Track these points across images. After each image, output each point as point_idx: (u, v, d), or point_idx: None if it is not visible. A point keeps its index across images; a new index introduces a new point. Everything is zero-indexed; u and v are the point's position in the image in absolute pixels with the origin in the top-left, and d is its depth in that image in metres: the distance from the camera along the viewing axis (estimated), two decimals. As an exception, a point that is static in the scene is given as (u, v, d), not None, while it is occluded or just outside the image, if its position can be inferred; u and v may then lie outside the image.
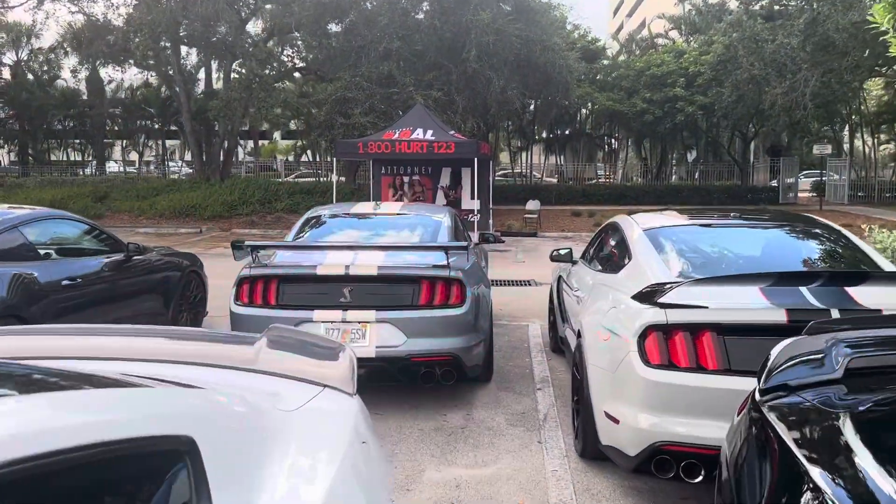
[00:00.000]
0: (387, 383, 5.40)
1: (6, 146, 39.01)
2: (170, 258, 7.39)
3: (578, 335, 4.64)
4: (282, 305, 5.03)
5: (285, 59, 26.98)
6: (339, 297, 4.93)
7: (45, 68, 36.83)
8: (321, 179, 30.57)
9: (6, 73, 36.32)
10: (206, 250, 17.25)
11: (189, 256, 7.99)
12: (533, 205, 22.43)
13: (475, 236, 8.34)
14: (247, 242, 5.42)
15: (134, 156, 41.88)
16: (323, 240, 6.13)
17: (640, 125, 29.82)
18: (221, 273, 13.20)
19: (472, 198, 18.40)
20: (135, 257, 6.71)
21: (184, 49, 27.37)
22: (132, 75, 30.52)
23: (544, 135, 36.38)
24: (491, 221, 18.83)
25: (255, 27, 25.73)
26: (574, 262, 6.27)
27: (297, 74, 33.28)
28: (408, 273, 5.06)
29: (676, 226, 4.96)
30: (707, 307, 3.49)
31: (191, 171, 32.70)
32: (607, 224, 5.87)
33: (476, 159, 15.75)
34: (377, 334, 4.88)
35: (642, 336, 3.56)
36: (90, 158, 38.50)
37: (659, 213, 5.56)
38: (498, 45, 20.69)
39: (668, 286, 3.70)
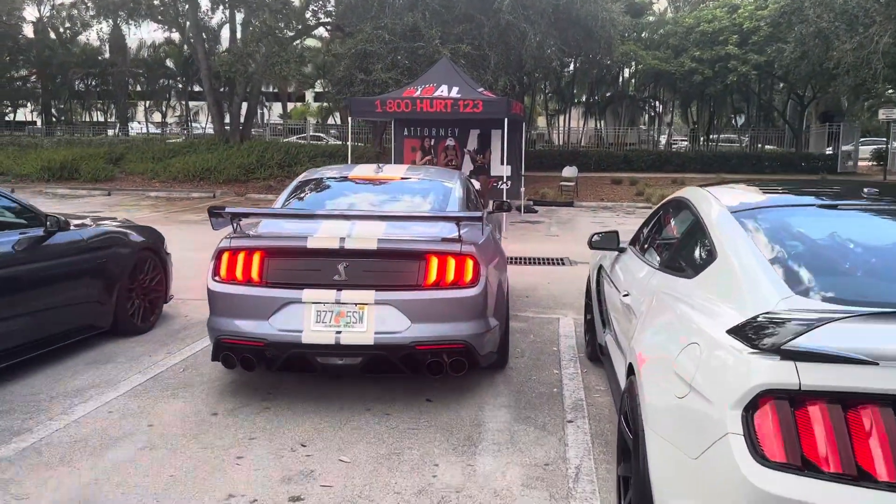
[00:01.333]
0: (386, 374, 4.76)
1: (29, 105, 38.15)
2: (113, 234, 5.99)
3: (630, 371, 3.11)
4: (267, 283, 4.38)
5: (308, 14, 25.41)
6: (332, 274, 4.30)
7: (68, 25, 35.72)
8: (347, 143, 29.07)
9: (28, 31, 35.33)
10: (213, 217, 15.97)
11: (146, 231, 6.60)
12: (569, 171, 20.68)
13: (491, 205, 6.87)
14: (227, 209, 4.67)
15: (158, 117, 40.83)
16: (316, 207, 5.37)
17: (687, 86, 27.67)
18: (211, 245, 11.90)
19: (503, 163, 16.80)
20: (58, 233, 5.31)
21: (204, 4, 25.99)
22: (151, 31, 29.19)
23: (584, 98, 34.32)
24: (523, 189, 17.19)
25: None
26: (621, 250, 4.69)
27: (323, 32, 31.75)
28: (413, 247, 4.40)
29: (784, 206, 3.30)
30: (878, 364, 1.93)
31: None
32: (671, 200, 4.25)
33: (506, 120, 14.07)
34: (377, 318, 4.24)
35: (751, 407, 2.03)
36: (113, 119, 37.50)
37: (743, 187, 3.92)
38: (534, -6, 18.84)
39: (797, 316, 2.14)
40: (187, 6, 23.97)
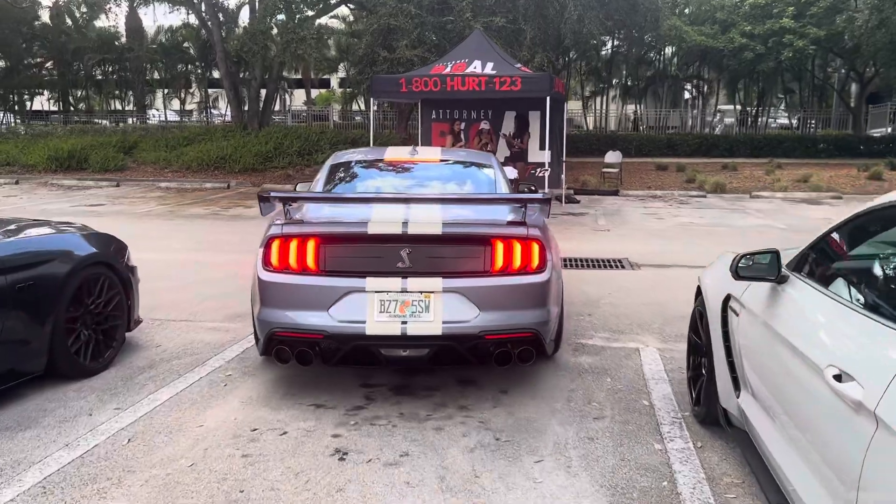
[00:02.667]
0: (452, 366, 4.58)
1: (46, 93, 37.09)
2: (42, 250, 4.47)
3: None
4: (325, 271, 4.12)
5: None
6: (395, 261, 4.08)
7: (84, 10, 34.50)
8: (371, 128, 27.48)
9: (45, 16, 34.19)
10: (225, 209, 14.56)
11: (100, 240, 5.09)
12: (613, 157, 18.91)
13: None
14: (273, 193, 4.36)
15: (177, 104, 39.55)
16: (359, 192, 5.23)
17: (736, 64, 25.58)
18: (224, 242, 10.55)
19: (542, 148, 15.12)
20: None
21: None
22: (164, 13, 27.74)
23: (622, 79, 32.30)
24: (563, 177, 15.52)
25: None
26: (782, 279, 3.02)
27: (347, 12, 30.12)
28: (479, 231, 4.21)
29: None
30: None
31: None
32: (885, 206, 2.56)
33: (548, 99, 12.37)
34: (444, 306, 4.04)
35: None
36: (131, 107, 36.30)
37: None
38: (575, -38, 17.03)
39: None
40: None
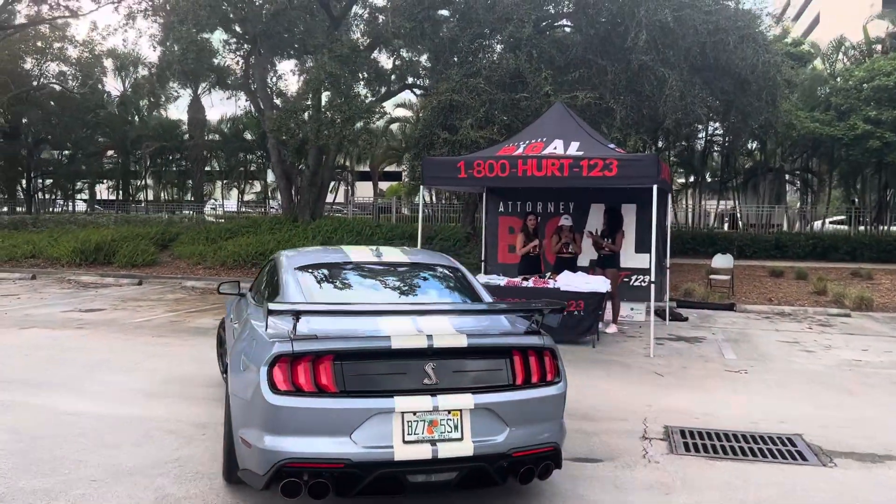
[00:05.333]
0: (477, 488, 4.13)
1: (105, 182, 36.35)
2: None
3: None
4: (346, 392, 3.70)
5: (393, 77, 21.72)
6: (421, 377, 3.80)
7: (151, 98, 33.89)
8: (441, 224, 24.81)
9: (110, 104, 33.68)
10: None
11: None
12: (722, 261, 15.49)
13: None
14: (270, 306, 3.79)
15: (235, 194, 38.20)
16: (338, 300, 4.73)
17: (858, 154, 21.96)
18: (208, 379, 7.64)
19: (639, 250, 11.93)
20: None
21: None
22: (222, 99, 26.31)
23: (716, 170, 28.92)
24: (667, 287, 12.19)
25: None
26: None
27: (412, 98, 28.17)
28: (502, 342, 4.05)
29: None
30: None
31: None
32: None
33: (654, 189, 9.21)
34: (472, 424, 3.79)
35: None
36: (189, 197, 35.00)
37: None
38: (676, 31, 14.22)
39: None
40: (253, 63, 20.74)
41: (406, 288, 5.09)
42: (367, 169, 44.50)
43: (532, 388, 3.98)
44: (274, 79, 23.14)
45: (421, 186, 10.42)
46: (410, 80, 22.28)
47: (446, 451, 3.71)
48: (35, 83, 30.74)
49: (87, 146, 32.90)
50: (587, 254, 11.77)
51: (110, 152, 34.47)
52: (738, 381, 7.89)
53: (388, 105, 28.34)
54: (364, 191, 47.97)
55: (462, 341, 3.87)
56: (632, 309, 12.16)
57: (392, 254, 5.47)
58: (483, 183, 10.57)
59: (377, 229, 20.67)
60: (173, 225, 24.08)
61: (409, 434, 3.70)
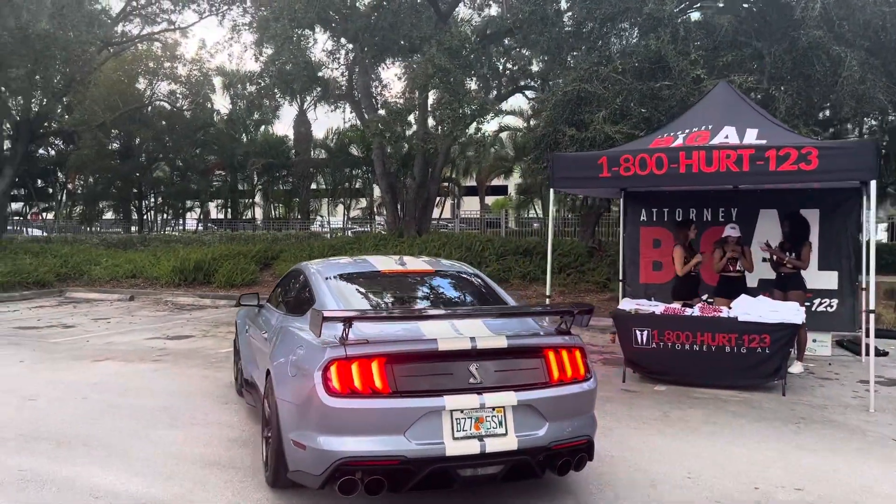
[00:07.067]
0: (518, 480, 4.25)
1: (215, 201, 36.38)
2: None
3: None
4: (399, 392, 3.89)
5: (504, 79, 19.90)
6: (466, 377, 4.02)
7: (257, 115, 33.58)
8: (548, 234, 22.71)
9: (219, 122, 33.60)
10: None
11: None
12: (917, 280, 12.57)
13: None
14: (325, 313, 3.94)
15: (341, 210, 37.36)
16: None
17: None
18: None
19: (824, 267, 9.50)
20: None
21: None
22: (327, 112, 25.34)
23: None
24: (864, 313, 9.60)
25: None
26: None
27: (521, 102, 26.26)
28: (537, 343, 4.33)
29: None
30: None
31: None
32: None
33: (873, 186, 6.85)
34: (515, 420, 4.02)
35: None
36: (295, 214, 34.40)
37: None
38: (853, 4, 11.68)
39: None
40: (357, 70, 19.42)
41: (434, 294, 5.36)
42: (473, 183, 42.95)
43: (567, 384, 4.22)
44: (378, 87, 21.76)
45: (551, 190, 8.39)
46: (521, 83, 20.45)
47: (493, 445, 3.90)
48: (147, 102, 30.97)
49: (197, 164, 32.91)
50: (761, 271, 9.42)
51: (219, 171, 34.39)
52: None
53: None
54: (468, 206, 46.40)
55: (502, 342, 4.10)
56: (814, 341, 9.66)
57: (416, 263, 5.71)
58: (630, 183, 8.45)
59: (488, 244, 18.81)
60: (276, 242, 23.13)
61: (457, 430, 3.88)
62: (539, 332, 4.43)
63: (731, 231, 8.86)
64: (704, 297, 9.12)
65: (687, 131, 8.09)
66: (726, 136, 7.77)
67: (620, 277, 10.52)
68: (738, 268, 8.97)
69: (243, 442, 5.64)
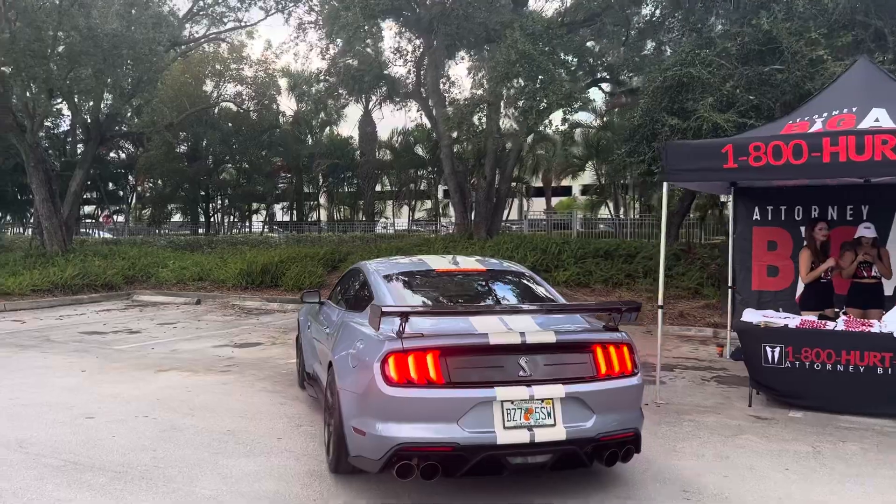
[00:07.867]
0: (567, 469, 4.43)
1: (281, 203, 36.19)
2: None
3: None
4: (451, 383, 4.09)
5: (581, 72, 18.81)
6: (517, 370, 4.19)
7: (322, 116, 33.25)
8: (632, 239, 21.47)
9: (284, 123, 33.38)
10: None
11: None
12: None
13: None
14: (384, 308, 4.14)
15: (406, 212, 36.71)
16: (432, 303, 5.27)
17: None
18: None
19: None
20: None
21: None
22: (392, 111, 24.70)
23: None
24: None
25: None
26: None
27: (598, 101, 25.04)
28: (585, 338, 4.48)
29: None
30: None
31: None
32: None
33: None
34: (563, 412, 4.17)
35: None
36: (361, 217, 33.87)
37: None
38: None
39: None
40: (426, 63, 18.64)
41: (485, 291, 5.54)
42: (539, 184, 41.85)
43: (614, 379, 4.33)
44: (447, 84, 20.93)
45: (664, 184, 7.34)
46: (598, 75, 19.30)
47: (542, 435, 4.05)
48: (213, 104, 30.92)
49: (262, 166, 32.77)
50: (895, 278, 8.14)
51: (284, 173, 34.18)
52: None
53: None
54: (533, 207, 45.30)
55: (551, 337, 4.28)
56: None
57: (468, 262, 5.94)
58: (760, 176, 7.23)
59: (564, 247, 17.74)
60: (343, 244, 22.56)
61: (508, 420, 4.04)
62: (588, 328, 4.58)
63: (866, 231, 7.65)
64: (836, 307, 7.93)
65: (825, 114, 6.97)
66: (876, 120, 6.62)
67: (730, 284, 9.36)
68: (873, 273, 7.76)
69: (320, 475, 4.83)
